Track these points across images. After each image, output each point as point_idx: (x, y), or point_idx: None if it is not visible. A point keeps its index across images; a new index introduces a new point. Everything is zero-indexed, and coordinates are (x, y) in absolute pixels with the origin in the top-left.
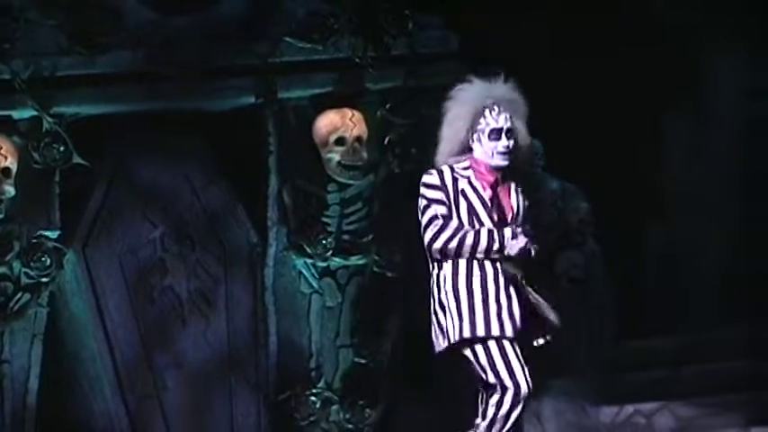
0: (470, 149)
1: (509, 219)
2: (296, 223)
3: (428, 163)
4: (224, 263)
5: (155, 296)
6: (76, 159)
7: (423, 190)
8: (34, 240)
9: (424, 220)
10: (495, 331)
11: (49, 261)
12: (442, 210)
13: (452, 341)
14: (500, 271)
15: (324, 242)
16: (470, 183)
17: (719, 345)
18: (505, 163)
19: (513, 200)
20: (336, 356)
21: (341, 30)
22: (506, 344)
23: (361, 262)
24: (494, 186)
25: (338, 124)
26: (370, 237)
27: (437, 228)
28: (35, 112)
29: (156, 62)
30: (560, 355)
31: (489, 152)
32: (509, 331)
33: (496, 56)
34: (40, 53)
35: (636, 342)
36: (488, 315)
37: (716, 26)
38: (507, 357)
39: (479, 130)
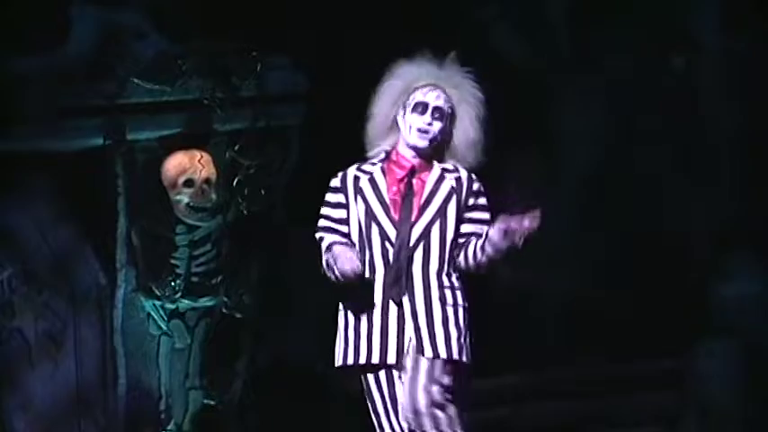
0: (397, 132)
1: (415, 214)
2: (144, 265)
3: (278, 205)
4: (72, 304)
5: (2, 338)
6: None
7: (326, 195)
8: None
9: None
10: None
11: None
12: (323, 223)
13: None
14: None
15: (172, 284)
16: (372, 180)
17: (559, 383)
18: (423, 143)
19: (426, 196)
20: (186, 398)
21: (189, 71)
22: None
23: (209, 303)
24: (407, 178)
25: (187, 166)
26: (219, 278)
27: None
28: None
29: (1, 102)
30: None
31: (407, 127)
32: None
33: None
34: None
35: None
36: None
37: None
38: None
39: (406, 105)
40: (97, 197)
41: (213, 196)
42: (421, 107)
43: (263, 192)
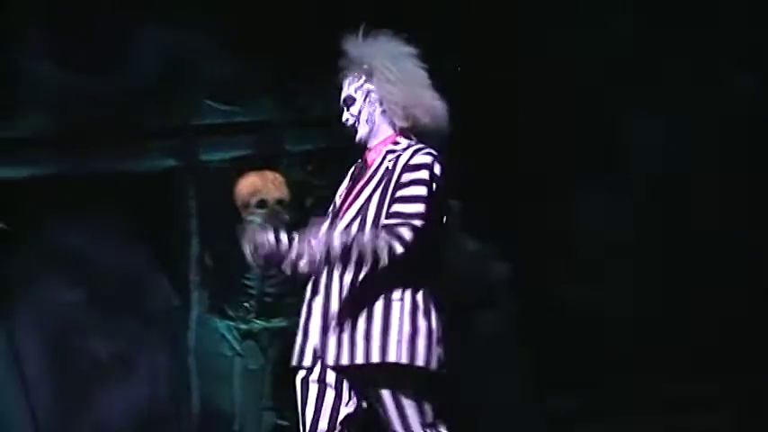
0: None
1: (347, 205)
2: (217, 286)
3: None
4: (145, 326)
5: (75, 360)
6: None
7: None
8: None
9: None
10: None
11: None
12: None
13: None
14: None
15: (245, 305)
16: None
17: (637, 401)
18: (356, 139)
19: (360, 186)
20: (259, 419)
21: (259, 92)
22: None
23: (282, 324)
24: (362, 169)
25: (259, 186)
26: (292, 299)
27: None
28: None
29: (74, 125)
30: (478, 413)
31: None
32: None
33: None
34: None
35: (552, 401)
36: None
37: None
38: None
39: None
40: (170, 218)
41: (286, 217)
42: (343, 103)
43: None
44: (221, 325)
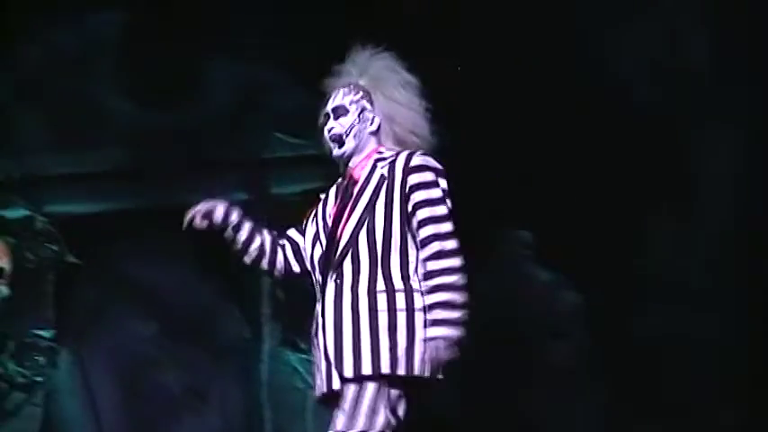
0: None
1: (343, 221)
2: (290, 319)
3: None
4: (217, 359)
5: (148, 393)
6: (69, 258)
7: None
8: (28, 340)
9: None
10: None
11: (42, 360)
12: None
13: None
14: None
15: None
16: (325, 201)
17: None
18: (337, 151)
19: (354, 197)
20: None
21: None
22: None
23: None
24: (346, 188)
25: None
26: None
27: None
28: (27, 212)
29: (146, 159)
30: None
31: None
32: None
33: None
34: (30, 152)
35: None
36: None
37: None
38: None
39: None
40: None
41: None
42: (324, 119)
43: None
44: (293, 358)
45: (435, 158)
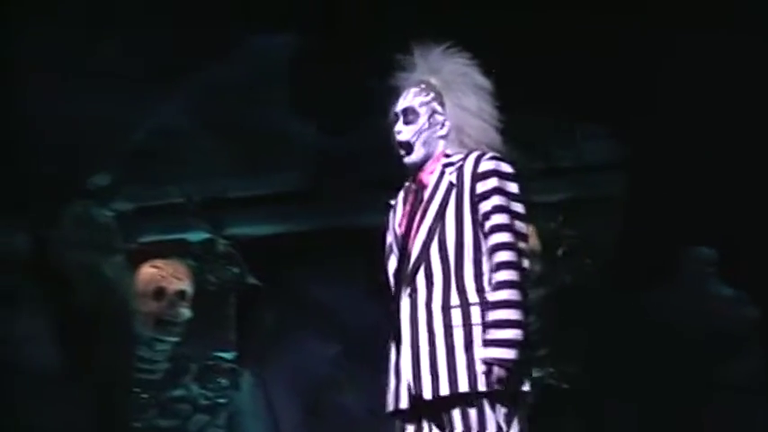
0: None
1: (413, 231)
2: None
3: (602, 274)
4: None
5: (329, 414)
6: (250, 280)
7: None
8: (210, 362)
9: None
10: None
11: (225, 382)
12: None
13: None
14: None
15: None
16: (394, 207)
17: None
18: (407, 159)
19: (423, 204)
20: None
21: (507, 143)
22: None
23: (535, 375)
24: (415, 192)
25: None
26: (545, 350)
27: None
28: (208, 235)
29: (323, 181)
30: None
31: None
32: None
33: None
34: (209, 175)
35: None
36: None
37: None
38: None
39: None
40: None
41: (537, 268)
42: (395, 116)
43: (587, 262)
44: None
45: (506, 161)
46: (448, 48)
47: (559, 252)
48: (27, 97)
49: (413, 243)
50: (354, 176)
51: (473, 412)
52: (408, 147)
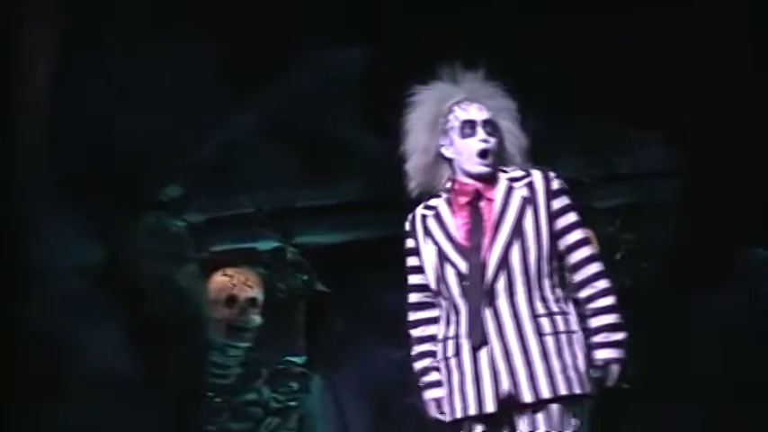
0: (447, 162)
1: (485, 243)
2: None
3: (659, 279)
4: None
5: (397, 416)
6: (319, 287)
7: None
8: (281, 366)
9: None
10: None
11: (296, 386)
12: (415, 279)
13: None
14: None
15: None
16: (437, 215)
17: None
18: (485, 169)
19: (495, 217)
20: None
21: (567, 150)
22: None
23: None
24: (473, 202)
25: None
26: None
27: (409, 323)
28: (278, 244)
29: (385, 190)
30: None
31: (465, 154)
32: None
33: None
34: (278, 186)
35: None
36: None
37: None
38: None
39: (450, 130)
40: None
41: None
42: (468, 126)
43: (645, 266)
44: None
45: None
46: (487, 72)
47: (618, 256)
48: (104, 112)
49: (488, 254)
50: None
51: (557, 414)
52: (487, 154)
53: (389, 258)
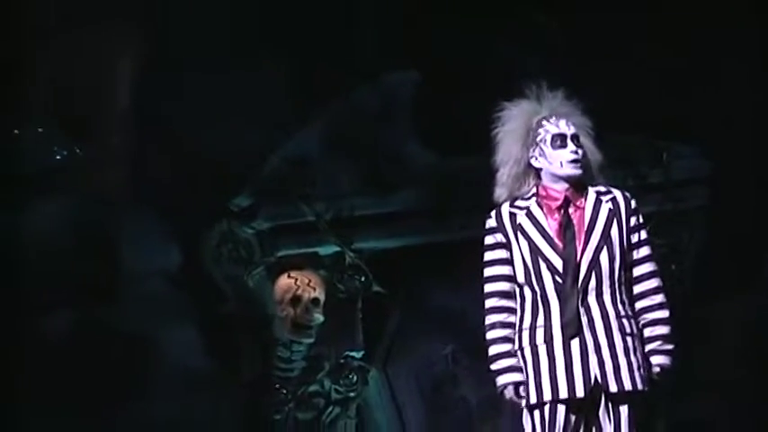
0: (534, 171)
1: (580, 242)
2: None
3: (686, 281)
4: None
5: (448, 406)
6: (376, 288)
7: (484, 238)
8: (342, 360)
9: (484, 288)
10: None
11: (355, 378)
12: (501, 270)
13: None
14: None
15: None
16: (530, 213)
17: None
18: (578, 171)
19: (587, 222)
20: None
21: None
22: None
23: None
24: (563, 207)
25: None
26: None
27: (486, 313)
28: (338, 248)
29: (438, 199)
30: None
31: (557, 162)
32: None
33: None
34: (338, 196)
35: None
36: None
37: None
38: None
39: (540, 142)
40: None
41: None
42: (559, 139)
43: (672, 267)
44: None
45: None
46: (565, 91)
47: None
48: (183, 129)
49: (581, 255)
50: (467, 195)
51: (627, 406)
52: (579, 163)
53: (440, 262)
